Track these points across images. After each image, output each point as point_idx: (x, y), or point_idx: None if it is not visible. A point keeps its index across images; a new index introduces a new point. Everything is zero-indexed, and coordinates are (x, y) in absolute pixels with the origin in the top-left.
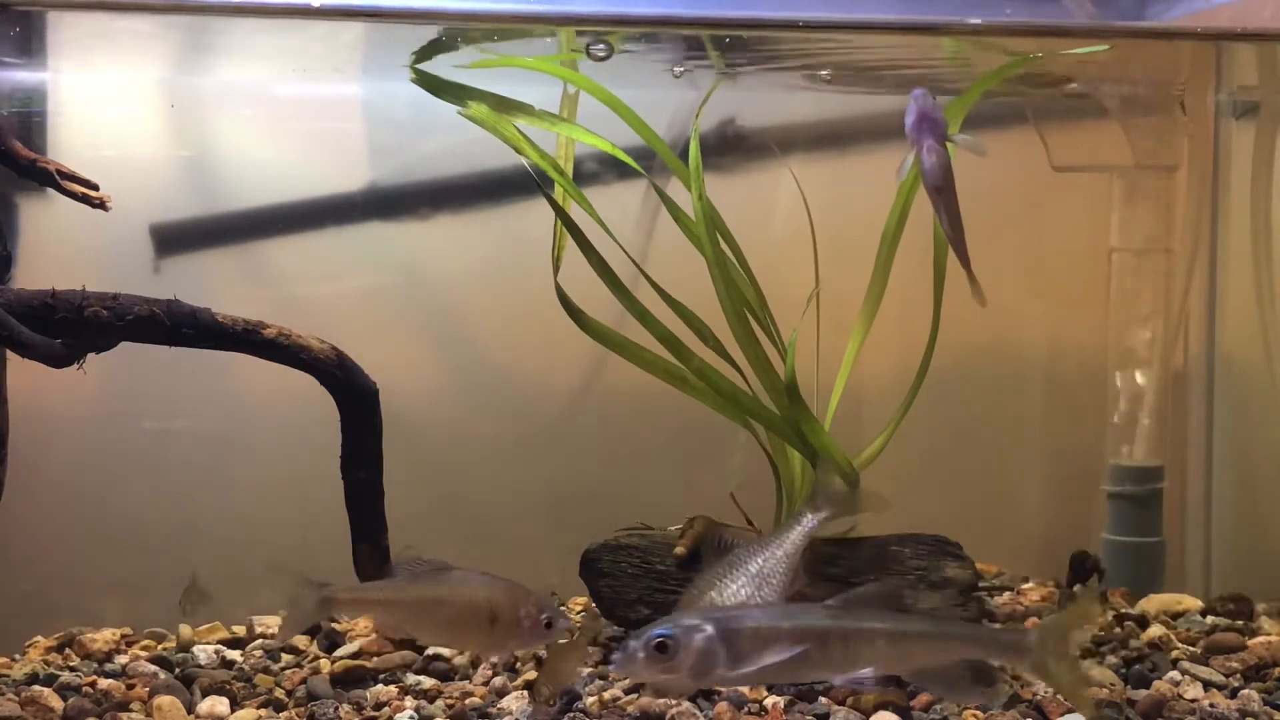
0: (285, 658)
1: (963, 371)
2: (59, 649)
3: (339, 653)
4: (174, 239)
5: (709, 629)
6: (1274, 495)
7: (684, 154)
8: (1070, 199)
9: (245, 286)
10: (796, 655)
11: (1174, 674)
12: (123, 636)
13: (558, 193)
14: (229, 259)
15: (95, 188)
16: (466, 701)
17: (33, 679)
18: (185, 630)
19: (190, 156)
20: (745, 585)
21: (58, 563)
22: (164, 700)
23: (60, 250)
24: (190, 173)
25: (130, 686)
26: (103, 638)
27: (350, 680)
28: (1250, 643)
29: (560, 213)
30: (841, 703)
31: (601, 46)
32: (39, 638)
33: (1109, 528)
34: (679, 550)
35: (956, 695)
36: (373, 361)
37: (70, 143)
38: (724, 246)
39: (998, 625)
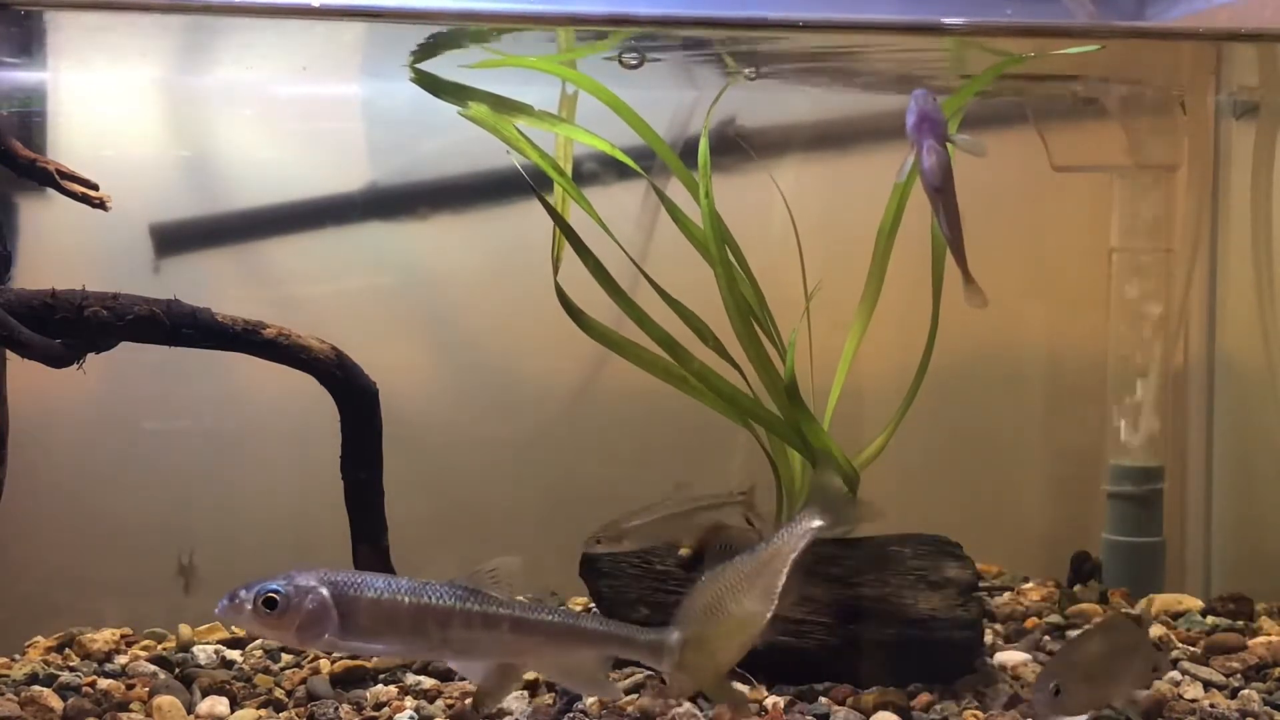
0: (285, 658)
1: (963, 371)
2: (59, 649)
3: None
4: (174, 239)
5: (323, 592)
6: (1274, 495)
7: (684, 154)
8: (1070, 199)
9: (245, 286)
10: (415, 632)
11: (1174, 674)
12: (123, 636)
13: (557, 193)
14: (229, 259)
15: (95, 188)
16: (466, 701)
17: (33, 679)
18: (185, 630)
19: (190, 156)
20: (744, 593)
21: (58, 563)
22: (164, 700)
23: (60, 250)
24: (190, 173)
25: (130, 686)
26: (103, 638)
27: (350, 680)
28: (1250, 643)
29: (555, 216)
30: (841, 703)
31: (633, 56)
32: (39, 638)
33: (1109, 528)
34: (684, 551)
35: (585, 688)
36: (373, 361)
37: (70, 143)
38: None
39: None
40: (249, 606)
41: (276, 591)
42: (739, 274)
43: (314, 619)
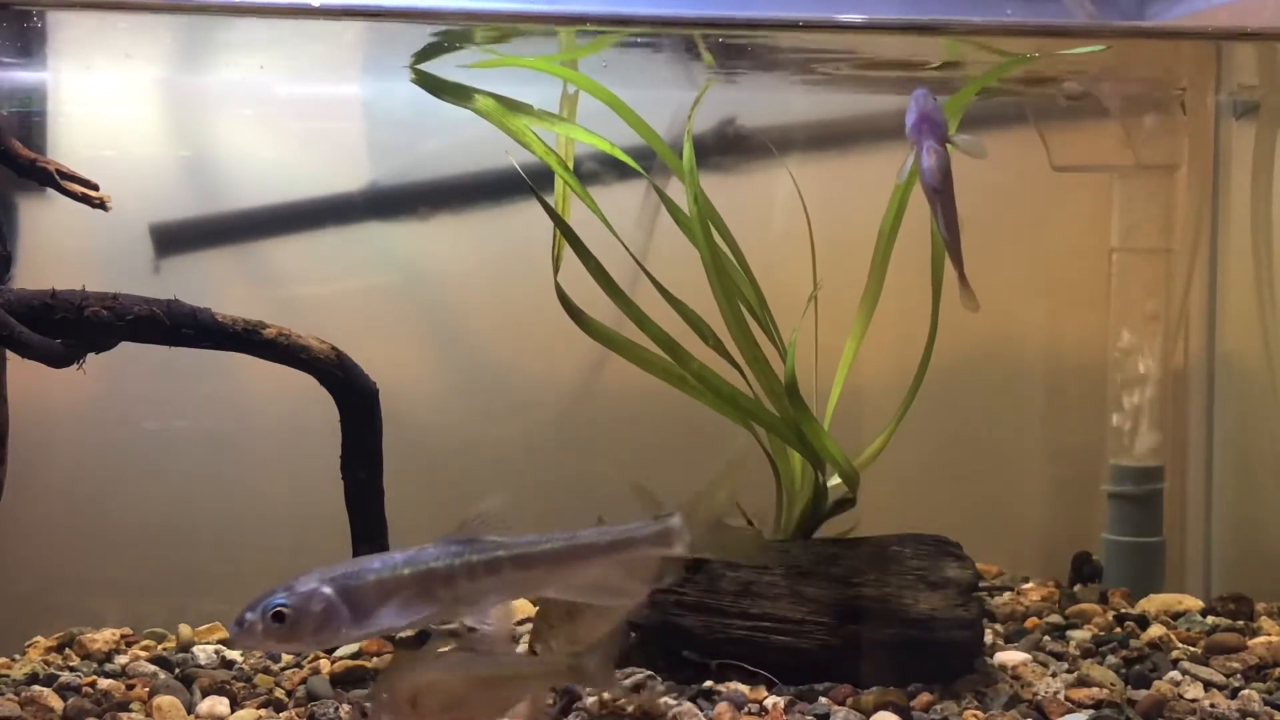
0: (285, 658)
1: (963, 372)
2: (59, 649)
3: (339, 653)
4: (174, 239)
5: (328, 591)
6: (1274, 495)
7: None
8: (1070, 199)
9: (245, 286)
10: (425, 600)
11: (1174, 674)
12: (123, 636)
13: (557, 193)
14: (229, 259)
15: (95, 188)
16: None
17: (33, 679)
18: (185, 630)
19: (190, 156)
20: None
21: (58, 563)
22: (164, 700)
23: (60, 250)
24: (190, 173)
25: (130, 686)
26: (103, 638)
27: (350, 680)
28: (1250, 643)
29: (554, 216)
30: (841, 703)
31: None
32: (39, 638)
33: (1109, 528)
34: None
35: (616, 600)
36: (373, 361)
37: (70, 143)
38: (723, 246)
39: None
40: (260, 627)
41: (282, 605)
42: (737, 274)
43: (325, 619)
